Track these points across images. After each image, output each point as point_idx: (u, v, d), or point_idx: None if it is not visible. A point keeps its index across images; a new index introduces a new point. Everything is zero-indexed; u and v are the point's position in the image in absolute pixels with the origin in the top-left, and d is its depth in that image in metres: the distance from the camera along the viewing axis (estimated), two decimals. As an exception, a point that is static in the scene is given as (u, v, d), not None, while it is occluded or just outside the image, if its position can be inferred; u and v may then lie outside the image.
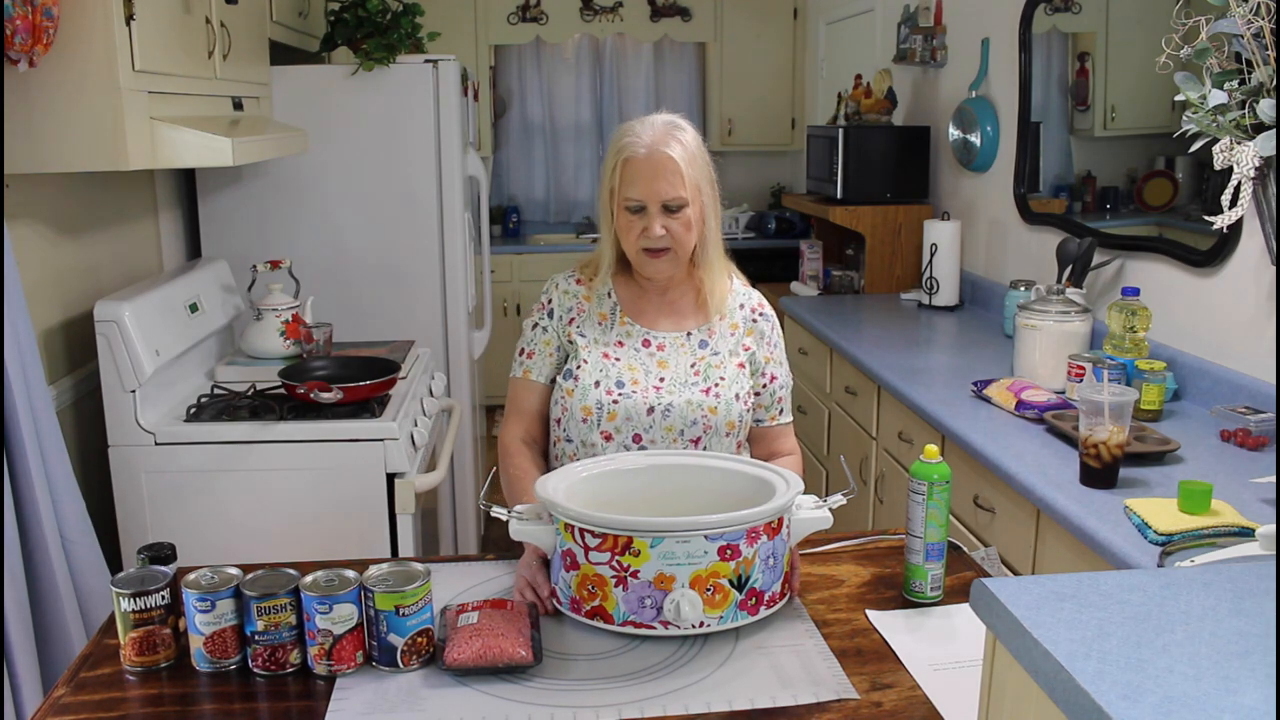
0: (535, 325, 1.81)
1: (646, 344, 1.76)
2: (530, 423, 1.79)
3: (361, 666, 1.32)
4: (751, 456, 1.84)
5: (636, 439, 1.70)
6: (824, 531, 1.52)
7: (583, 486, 1.49)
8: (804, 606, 1.47)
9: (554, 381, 1.78)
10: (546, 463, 1.79)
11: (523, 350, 1.81)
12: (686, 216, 1.68)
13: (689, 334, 1.78)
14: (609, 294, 1.79)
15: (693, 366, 1.75)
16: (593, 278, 1.80)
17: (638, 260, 1.73)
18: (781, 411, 1.85)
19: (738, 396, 1.74)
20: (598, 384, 1.71)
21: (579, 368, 1.72)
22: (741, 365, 1.77)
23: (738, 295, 1.83)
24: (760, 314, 1.83)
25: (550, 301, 1.81)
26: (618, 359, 1.74)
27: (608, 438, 1.70)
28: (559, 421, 1.75)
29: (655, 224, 1.66)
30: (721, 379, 1.74)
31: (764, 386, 1.81)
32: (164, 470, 2.34)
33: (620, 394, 1.70)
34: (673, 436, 1.71)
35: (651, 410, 1.70)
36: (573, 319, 1.78)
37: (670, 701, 1.24)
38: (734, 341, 1.79)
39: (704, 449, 1.71)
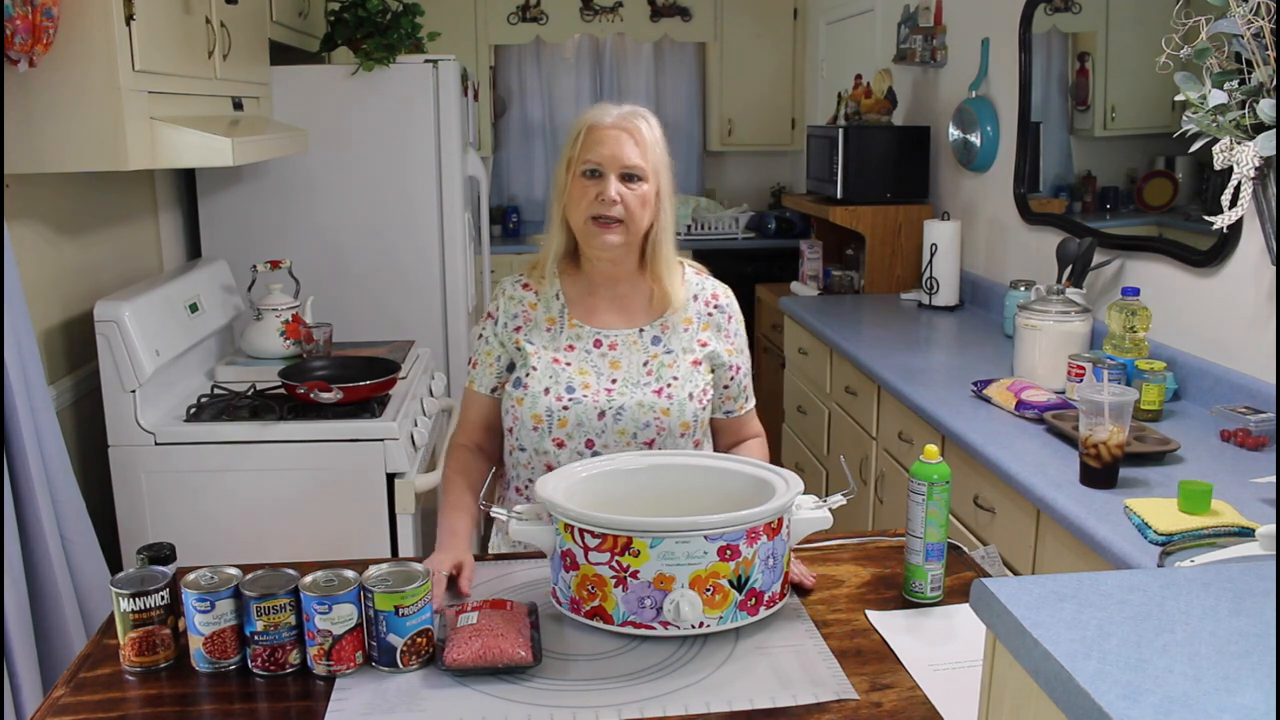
0: (480, 335, 1.78)
1: (598, 344, 1.72)
2: (474, 431, 1.78)
3: (361, 667, 1.32)
4: (720, 446, 1.83)
5: (589, 444, 1.68)
6: (824, 531, 1.52)
7: (582, 486, 1.49)
8: (804, 607, 1.47)
9: (496, 391, 1.75)
10: (496, 467, 1.77)
11: (470, 359, 1.80)
12: (643, 190, 1.64)
13: (641, 330, 1.73)
14: (556, 295, 1.74)
15: (645, 365, 1.70)
16: (540, 279, 1.75)
17: (586, 232, 1.66)
18: (748, 398, 1.83)
19: (691, 396, 1.69)
20: (547, 391, 1.67)
21: (528, 375, 1.69)
22: (697, 362, 1.72)
23: (691, 286, 1.77)
24: (716, 305, 1.77)
25: (497, 309, 1.76)
26: (568, 364, 1.70)
27: (560, 444, 1.68)
28: (511, 431, 1.72)
29: (610, 187, 1.61)
30: (675, 378, 1.69)
31: (731, 379, 1.78)
32: (164, 470, 2.34)
33: (570, 399, 1.66)
34: (625, 440, 1.67)
35: (602, 414, 1.67)
36: (519, 326, 1.73)
37: (670, 702, 1.24)
38: (689, 337, 1.74)
39: (659, 450, 1.68)
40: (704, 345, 1.75)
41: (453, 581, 1.51)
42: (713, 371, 1.76)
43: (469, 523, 1.65)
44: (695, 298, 1.77)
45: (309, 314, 2.82)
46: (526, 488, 1.73)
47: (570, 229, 1.71)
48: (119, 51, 2.01)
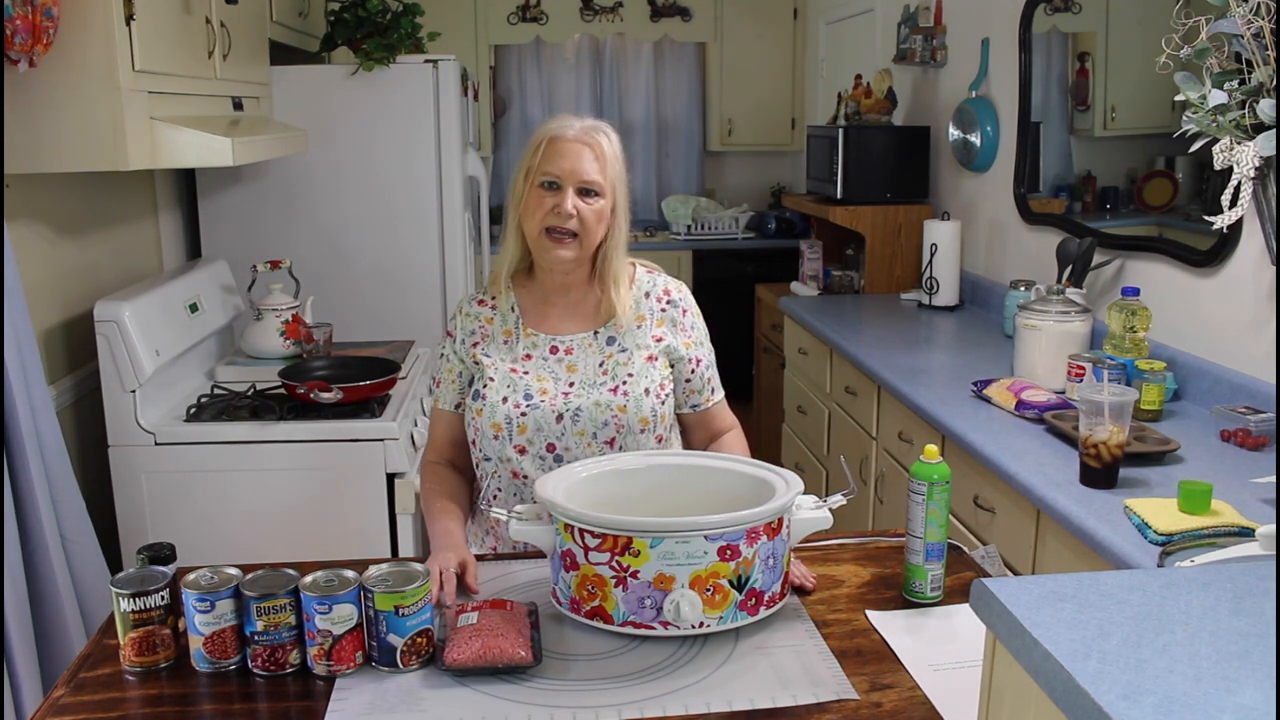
0: (441, 354, 1.80)
1: (554, 350, 1.73)
2: (443, 448, 1.80)
3: (361, 667, 1.32)
4: (694, 442, 1.83)
5: (550, 448, 1.68)
6: (824, 531, 1.52)
7: (582, 487, 1.49)
8: (804, 606, 1.47)
9: (459, 406, 1.77)
10: (466, 481, 1.79)
11: (434, 379, 1.82)
12: (599, 206, 1.65)
13: (595, 333, 1.74)
14: (512, 308, 1.76)
15: (601, 366, 1.72)
16: (496, 295, 1.77)
17: (539, 244, 1.67)
18: (714, 391, 1.82)
19: (648, 391, 1.70)
20: (505, 399, 1.68)
21: (485, 386, 1.70)
22: (652, 358, 1.73)
23: (642, 285, 1.78)
24: (668, 301, 1.78)
25: (455, 327, 1.78)
26: (526, 372, 1.71)
27: (521, 451, 1.69)
28: (474, 442, 1.73)
29: (567, 200, 1.63)
30: (630, 375, 1.70)
31: (692, 372, 1.78)
32: (164, 470, 2.34)
33: (528, 406, 1.68)
34: (585, 441, 1.68)
35: (560, 417, 1.68)
36: (476, 342, 1.75)
37: (670, 702, 1.24)
38: (643, 334, 1.75)
39: (621, 449, 1.68)
40: (659, 340, 1.75)
41: (459, 580, 1.51)
42: (671, 366, 1.76)
43: (460, 525, 1.66)
44: (647, 295, 1.78)
45: (309, 314, 2.82)
46: (496, 498, 1.74)
47: (525, 238, 1.72)
48: (119, 51, 2.01)
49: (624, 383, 1.70)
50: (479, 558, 1.63)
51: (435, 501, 1.70)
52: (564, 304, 1.76)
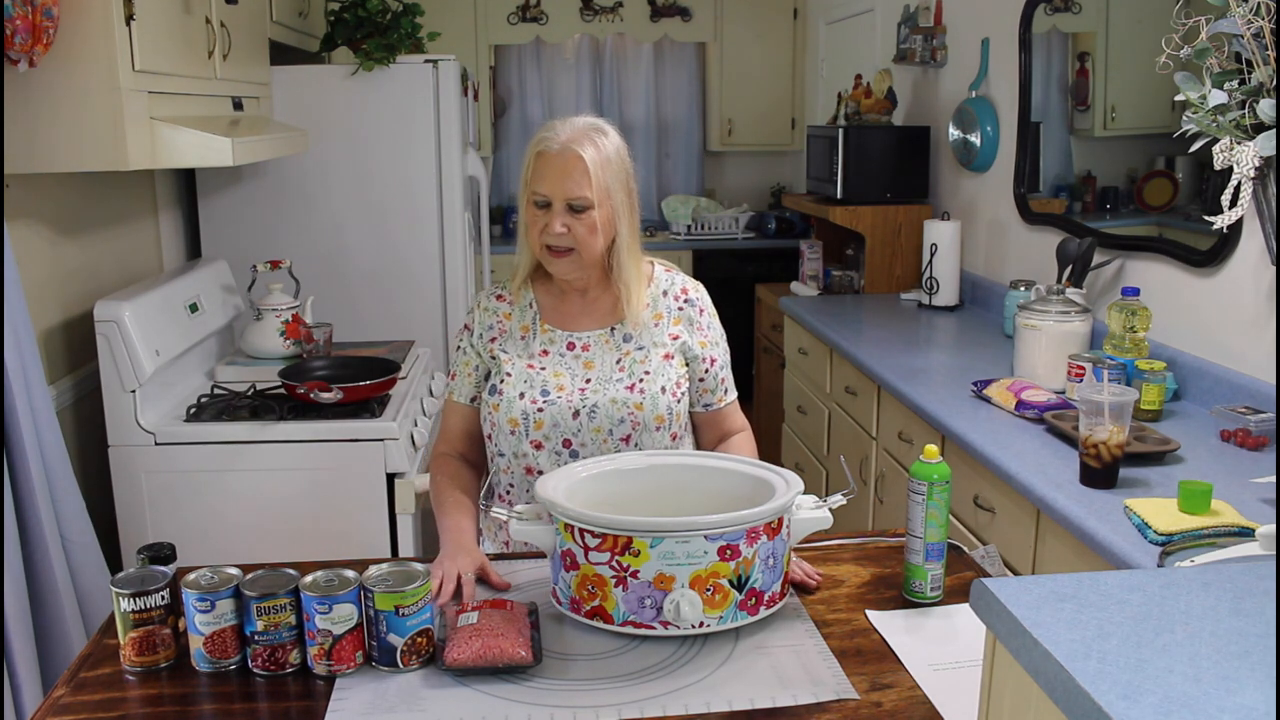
0: (458, 348, 1.81)
1: (571, 347, 1.74)
2: (455, 441, 1.80)
3: (361, 666, 1.32)
4: (704, 442, 1.84)
5: (566, 444, 1.69)
6: (824, 531, 1.52)
7: (582, 486, 1.49)
8: (804, 606, 1.47)
9: (475, 400, 1.78)
10: (477, 474, 1.79)
11: (450, 372, 1.83)
12: (591, 219, 1.64)
13: (612, 330, 1.75)
14: (530, 304, 1.77)
15: (618, 363, 1.73)
16: (515, 291, 1.78)
17: (542, 256, 1.69)
18: (727, 391, 1.83)
19: (664, 389, 1.71)
20: (522, 395, 1.69)
21: (503, 381, 1.71)
22: (669, 356, 1.74)
23: (660, 283, 1.80)
24: (686, 299, 1.79)
25: (473, 321, 1.79)
26: (543, 368, 1.72)
27: (538, 446, 1.70)
28: (490, 437, 1.74)
29: (556, 221, 1.63)
30: (646, 373, 1.72)
31: (706, 371, 1.78)
32: (164, 470, 2.34)
33: (545, 402, 1.69)
34: (601, 437, 1.69)
35: (577, 414, 1.69)
36: (494, 337, 1.76)
37: (670, 701, 1.24)
38: (660, 332, 1.76)
39: (636, 446, 1.69)
40: (675, 339, 1.76)
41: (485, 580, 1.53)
42: (687, 365, 1.77)
43: (471, 522, 1.66)
44: (665, 293, 1.79)
45: (309, 314, 2.82)
46: (509, 493, 1.75)
47: None
48: (119, 51, 2.01)
49: (640, 380, 1.71)
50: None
51: (448, 494, 1.70)
52: (581, 302, 1.77)
